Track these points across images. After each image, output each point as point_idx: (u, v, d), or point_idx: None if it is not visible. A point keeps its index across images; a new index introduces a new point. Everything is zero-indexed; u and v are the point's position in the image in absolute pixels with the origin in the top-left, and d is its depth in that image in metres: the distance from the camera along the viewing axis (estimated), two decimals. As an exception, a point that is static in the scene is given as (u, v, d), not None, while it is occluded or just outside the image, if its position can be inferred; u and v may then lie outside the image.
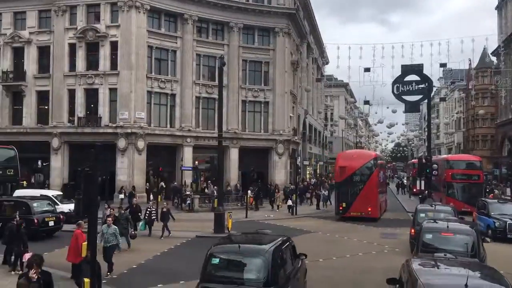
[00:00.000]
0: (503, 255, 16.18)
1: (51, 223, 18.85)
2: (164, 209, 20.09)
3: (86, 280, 8.16)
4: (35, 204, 18.77)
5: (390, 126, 60.84)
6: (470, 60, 50.85)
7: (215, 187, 27.58)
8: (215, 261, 8.60)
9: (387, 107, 52.26)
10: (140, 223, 19.69)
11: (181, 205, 29.33)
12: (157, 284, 12.08)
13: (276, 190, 32.04)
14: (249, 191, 29.54)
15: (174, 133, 34.19)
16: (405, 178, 58.34)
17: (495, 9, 53.39)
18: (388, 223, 25.56)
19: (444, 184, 31.49)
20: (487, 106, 54.97)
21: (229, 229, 20.57)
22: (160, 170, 28.05)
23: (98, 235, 11.70)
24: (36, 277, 7.56)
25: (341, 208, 26.18)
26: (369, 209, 25.46)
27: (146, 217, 19.80)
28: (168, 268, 14.09)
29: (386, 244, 18.68)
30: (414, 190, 42.29)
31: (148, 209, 20.05)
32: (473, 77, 55.72)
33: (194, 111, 35.43)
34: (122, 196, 29.07)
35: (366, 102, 46.63)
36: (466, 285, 6.02)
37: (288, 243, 9.90)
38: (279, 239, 9.56)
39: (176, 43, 34.86)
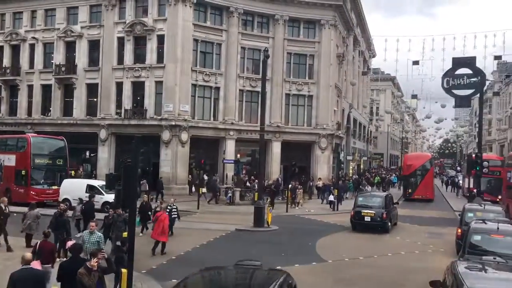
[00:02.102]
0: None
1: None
2: (144, 203, 17.94)
3: (124, 270, 8.34)
4: None
5: (439, 121, 58.68)
6: (527, 53, 48.05)
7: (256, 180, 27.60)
8: None
9: (436, 102, 50.39)
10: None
11: (215, 199, 29.08)
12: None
13: (299, 187, 29.78)
14: (290, 186, 29.40)
15: (217, 126, 34.51)
16: (460, 176, 52.90)
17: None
18: (434, 220, 24.72)
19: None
20: (546, 101, 51.78)
21: (269, 223, 20.61)
22: (202, 163, 28.35)
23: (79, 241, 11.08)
24: (97, 266, 7.53)
25: (407, 193, 35.63)
26: (427, 193, 35.69)
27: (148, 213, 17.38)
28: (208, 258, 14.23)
29: (430, 244, 18.05)
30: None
31: (169, 207, 17.63)
32: (530, 70, 52.60)
33: (238, 104, 35.58)
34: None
35: (414, 96, 45.22)
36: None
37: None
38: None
39: (221, 36, 35.05)
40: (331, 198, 28.42)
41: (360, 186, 34.42)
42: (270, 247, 16.47)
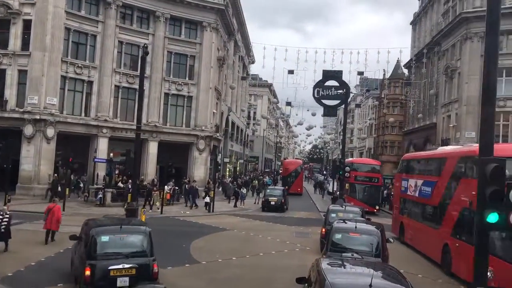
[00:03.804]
0: (402, 254, 17.33)
1: None
2: None
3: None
4: None
5: (309, 128, 62.84)
6: (384, 71, 54.10)
7: (130, 181, 26.50)
8: None
9: (307, 110, 54.19)
10: None
11: (85, 198, 27.62)
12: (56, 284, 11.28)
13: (154, 188, 28.88)
14: (166, 187, 28.82)
15: (89, 123, 32.39)
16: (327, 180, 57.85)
17: (410, 24, 57.26)
18: (301, 221, 26.35)
19: (347, 185, 33.35)
20: (397, 114, 58.75)
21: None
22: (70, 161, 26.35)
23: None
24: None
25: (285, 189, 37.22)
26: (299, 189, 47.98)
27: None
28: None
29: (298, 243, 19.16)
30: None
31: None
32: (386, 86, 59.34)
33: (113, 101, 33.82)
34: None
35: (288, 104, 47.66)
36: (370, 285, 6.24)
37: None
38: None
39: (97, 27, 33.04)
40: (207, 199, 28.55)
41: (236, 189, 35.13)
42: (143, 250, 15.89)
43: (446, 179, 16.43)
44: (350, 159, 48.08)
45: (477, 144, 9.94)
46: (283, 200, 31.31)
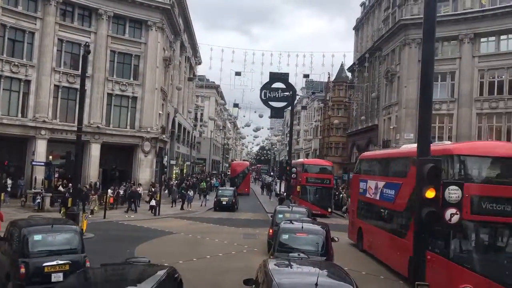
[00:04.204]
0: (347, 251, 17.82)
1: None
2: None
3: None
4: None
5: (256, 130, 63.32)
6: (329, 74, 55.62)
7: (70, 184, 25.40)
8: None
9: (255, 112, 54.48)
10: None
11: (22, 203, 26.20)
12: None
13: (92, 192, 27.36)
14: (109, 190, 27.92)
15: (26, 124, 30.74)
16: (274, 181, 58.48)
17: (353, 29, 59.23)
18: (249, 222, 26.45)
19: (298, 187, 32.86)
20: (341, 116, 60.56)
21: (84, 231, 19.14)
22: (5, 164, 24.88)
23: None
24: None
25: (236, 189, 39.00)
26: (246, 189, 50.11)
27: None
28: None
29: (245, 244, 19.20)
30: None
31: None
32: (330, 89, 60.98)
33: (52, 101, 32.30)
34: None
35: (236, 105, 47.81)
36: (316, 283, 6.34)
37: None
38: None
39: (35, 24, 31.44)
40: (153, 203, 27.97)
41: (183, 191, 34.68)
42: (84, 257, 15.29)
43: (413, 182, 13.74)
44: (301, 160, 45.79)
45: (452, 143, 10.17)
46: (234, 200, 33.68)
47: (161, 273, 7.42)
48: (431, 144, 8.85)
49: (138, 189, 31.38)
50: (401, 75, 37.93)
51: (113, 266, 8.38)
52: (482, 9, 34.93)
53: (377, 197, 16.98)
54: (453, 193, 7.48)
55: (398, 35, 38.59)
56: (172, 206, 32.58)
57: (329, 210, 32.31)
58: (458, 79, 35.43)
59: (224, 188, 40.11)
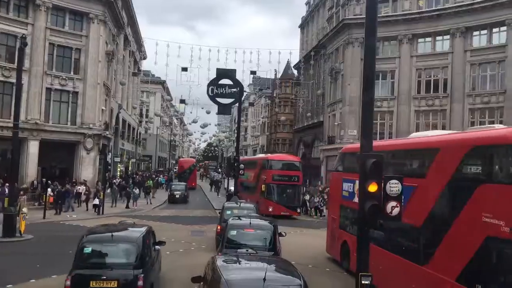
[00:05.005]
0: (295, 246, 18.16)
1: None
2: None
3: None
4: None
5: (204, 126, 62.85)
6: (275, 71, 56.17)
7: (7, 184, 24.00)
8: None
9: (202, 108, 53.81)
10: None
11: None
12: None
13: (21, 192, 24.21)
14: (49, 189, 26.72)
15: (-44, 120, 28.74)
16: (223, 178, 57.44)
17: (299, 27, 60.22)
18: (197, 219, 26.28)
19: (263, 186, 29.50)
20: (288, 113, 61.54)
21: (22, 232, 18.27)
22: None
23: None
24: None
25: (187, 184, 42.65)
26: (193, 184, 53.73)
27: None
28: None
29: (194, 241, 19.07)
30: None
31: None
32: (277, 86, 61.74)
33: (-16, 96, 30.38)
34: None
35: (182, 101, 47.13)
36: (264, 278, 6.41)
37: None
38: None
39: (-36, 13, 29.41)
40: (96, 201, 27.10)
41: (128, 189, 33.81)
42: (24, 259, 14.65)
43: (439, 183, 9.65)
44: (263, 155, 40.46)
45: (505, 127, 9.18)
46: (186, 193, 38.39)
47: (144, 227, 10.97)
48: (472, 130, 8.38)
49: (79, 187, 30.20)
50: (345, 73, 39.08)
51: (112, 225, 12.98)
52: (419, 11, 36.72)
53: None
54: (393, 186, 7.80)
55: (342, 34, 39.72)
56: (112, 206, 30.79)
57: (298, 210, 29.72)
58: (398, 77, 37.07)
59: (177, 183, 43.92)
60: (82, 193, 29.95)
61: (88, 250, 9.40)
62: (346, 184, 14.60)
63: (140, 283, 8.92)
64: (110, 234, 9.92)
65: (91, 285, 8.80)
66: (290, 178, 29.40)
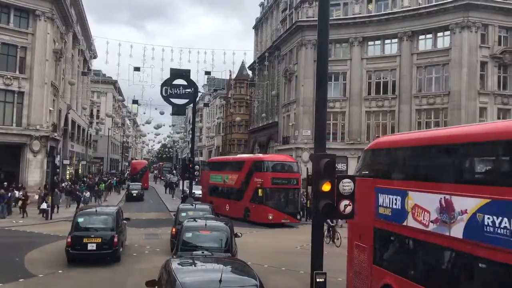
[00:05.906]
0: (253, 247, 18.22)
1: None
2: None
3: None
4: None
5: (158, 127, 61.81)
6: (230, 72, 56.10)
7: None
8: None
9: (156, 108, 52.84)
10: None
11: None
12: None
13: None
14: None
15: None
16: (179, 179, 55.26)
17: (253, 28, 60.48)
18: (151, 222, 25.79)
19: (260, 191, 26.21)
20: (243, 114, 61.66)
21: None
22: None
23: None
24: None
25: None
26: (145, 184, 54.42)
27: None
28: None
29: (148, 245, 18.69)
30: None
31: None
32: (232, 87, 61.74)
33: None
34: None
35: (135, 102, 46.02)
36: (220, 280, 6.38)
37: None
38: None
39: None
40: (44, 206, 25.99)
41: (78, 193, 32.64)
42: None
43: None
44: (256, 155, 34.92)
45: None
46: (142, 192, 43.03)
47: (116, 207, 16.49)
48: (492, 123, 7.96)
49: (15, 192, 28.35)
50: (299, 74, 39.67)
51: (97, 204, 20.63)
52: (369, 15, 37.89)
53: (428, 226, 8.16)
54: (346, 185, 8.01)
55: (295, 36, 40.30)
56: (55, 212, 27.66)
57: (298, 217, 26.79)
58: (349, 79, 38.08)
59: (134, 183, 47.34)
60: (19, 198, 27.90)
61: (81, 219, 14.94)
62: (385, 197, 9.74)
63: (115, 240, 14.41)
64: (95, 209, 16.06)
65: (84, 241, 14.12)
66: (289, 181, 26.36)
